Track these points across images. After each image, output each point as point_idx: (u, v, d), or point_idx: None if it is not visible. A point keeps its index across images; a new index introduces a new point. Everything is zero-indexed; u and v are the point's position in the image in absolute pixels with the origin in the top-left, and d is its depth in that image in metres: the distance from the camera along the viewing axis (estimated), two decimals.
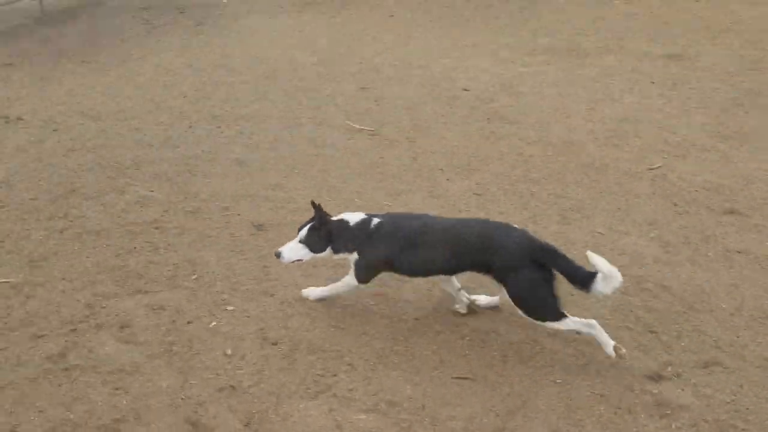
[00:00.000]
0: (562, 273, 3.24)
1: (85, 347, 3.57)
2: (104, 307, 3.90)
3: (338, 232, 3.54)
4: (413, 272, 3.58)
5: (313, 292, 3.87)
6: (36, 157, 6.05)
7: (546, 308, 3.25)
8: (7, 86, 8.26)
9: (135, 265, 4.30)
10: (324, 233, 3.53)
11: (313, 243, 3.55)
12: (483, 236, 3.36)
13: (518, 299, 3.28)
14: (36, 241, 4.61)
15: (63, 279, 4.18)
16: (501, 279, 3.33)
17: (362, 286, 3.66)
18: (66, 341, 3.61)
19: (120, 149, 6.17)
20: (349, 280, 3.66)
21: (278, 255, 3.60)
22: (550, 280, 3.24)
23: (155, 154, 6.04)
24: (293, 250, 3.58)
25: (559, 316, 3.25)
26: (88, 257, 4.42)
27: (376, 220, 3.53)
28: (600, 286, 3.10)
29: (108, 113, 7.17)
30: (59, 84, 8.30)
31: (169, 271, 4.22)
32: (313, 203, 3.55)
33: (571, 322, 3.25)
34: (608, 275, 3.07)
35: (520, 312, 3.31)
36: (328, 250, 3.59)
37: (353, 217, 3.58)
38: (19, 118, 7.05)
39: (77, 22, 12.07)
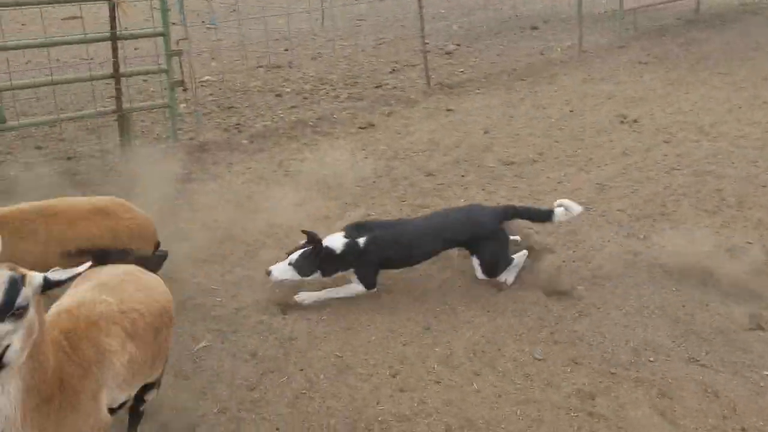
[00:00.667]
0: (526, 219, 4.22)
1: (616, 398, 3.18)
2: (651, 361, 3.41)
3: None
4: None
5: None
6: (638, 166, 5.83)
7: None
8: (636, 85, 8.31)
9: (706, 321, 3.65)
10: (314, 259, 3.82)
11: (303, 267, 3.82)
12: None
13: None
14: (596, 266, 4.33)
15: (618, 308, 3.85)
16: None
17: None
18: (600, 382, 3.29)
19: (725, 180, 5.42)
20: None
21: (268, 273, 3.85)
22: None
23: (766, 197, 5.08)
24: (282, 271, 3.83)
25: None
26: (649, 294, 3.97)
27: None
28: (560, 216, 4.09)
29: (726, 134, 6.42)
30: (686, 92, 7.90)
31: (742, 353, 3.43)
32: (304, 232, 3.86)
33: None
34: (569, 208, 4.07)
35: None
36: (318, 274, 3.88)
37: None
38: (635, 121, 6.96)
39: (726, 29, 11.35)
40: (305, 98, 8.35)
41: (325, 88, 8.78)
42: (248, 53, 10.18)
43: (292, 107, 7.96)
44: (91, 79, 6.26)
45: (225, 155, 6.46)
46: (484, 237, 4.01)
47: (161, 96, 7.22)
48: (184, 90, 7.66)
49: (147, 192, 5.00)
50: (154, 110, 7.28)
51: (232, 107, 8.00)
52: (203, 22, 11.80)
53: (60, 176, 5.73)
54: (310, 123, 7.36)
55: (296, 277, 3.87)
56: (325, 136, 6.97)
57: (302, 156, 6.38)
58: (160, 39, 6.43)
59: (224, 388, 3.32)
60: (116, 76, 6.15)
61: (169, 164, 5.83)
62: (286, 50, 10.90)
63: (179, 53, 6.50)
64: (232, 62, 10.13)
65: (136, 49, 8.48)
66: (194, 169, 6.07)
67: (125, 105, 6.29)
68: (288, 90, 8.73)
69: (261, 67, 9.93)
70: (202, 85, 8.55)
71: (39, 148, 6.59)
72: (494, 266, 4.04)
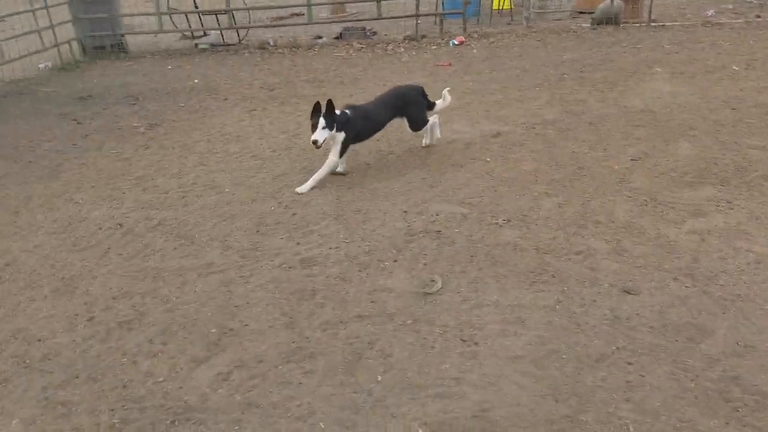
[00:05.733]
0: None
1: None
2: None
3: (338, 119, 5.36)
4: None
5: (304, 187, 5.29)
6: None
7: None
8: None
9: None
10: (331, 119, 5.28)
11: (329, 126, 5.25)
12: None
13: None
14: None
15: None
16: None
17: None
18: None
19: None
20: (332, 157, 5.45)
21: (315, 142, 5.19)
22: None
23: None
24: (321, 135, 5.21)
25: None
26: None
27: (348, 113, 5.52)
28: (439, 106, 6.10)
29: None
30: None
31: None
32: (317, 102, 5.26)
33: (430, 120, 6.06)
34: (445, 100, 6.12)
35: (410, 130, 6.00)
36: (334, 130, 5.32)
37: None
38: None
39: None
40: None
41: None
42: None
43: None
44: None
45: None
46: (411, 103, 5.92)
47: None
48: None
49: None
50: None
51: None
52: None
53: None
54: None
55: (328, 134, 5.26)
56: None
57: None
58: None
59: None
60: None
61: None
62: None
63: None
64: None
65: None
66: None
67: None
68: None
69: None
70: None
71: None
72: (417, 123, 5.99)
